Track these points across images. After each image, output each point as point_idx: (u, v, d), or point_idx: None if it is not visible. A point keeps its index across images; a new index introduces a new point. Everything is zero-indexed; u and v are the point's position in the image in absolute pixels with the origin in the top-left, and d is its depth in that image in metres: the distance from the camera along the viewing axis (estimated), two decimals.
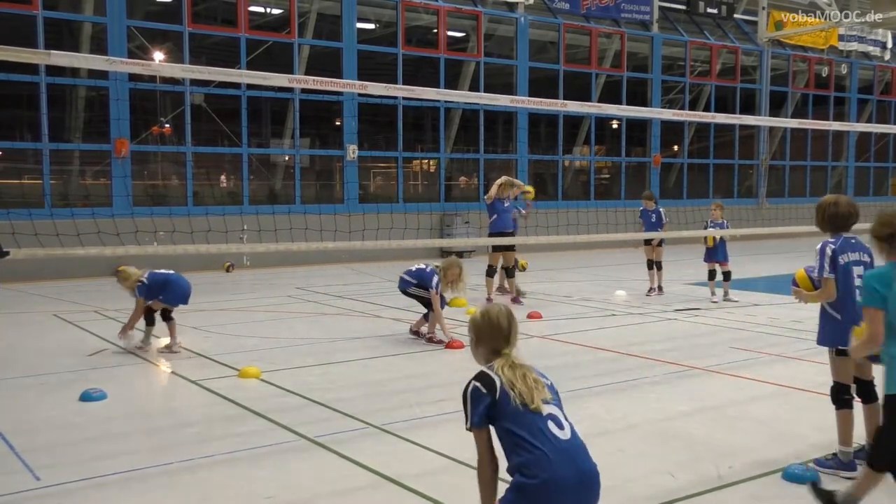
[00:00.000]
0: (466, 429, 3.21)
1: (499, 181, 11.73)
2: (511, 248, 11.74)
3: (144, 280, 8.30)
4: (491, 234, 11.72)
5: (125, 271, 8.32)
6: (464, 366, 7.96)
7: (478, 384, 3.17)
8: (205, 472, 4.95)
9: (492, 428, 3.20)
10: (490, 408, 3.12)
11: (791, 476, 4.69)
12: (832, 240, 4.85)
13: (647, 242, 12.25)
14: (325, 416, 6.12)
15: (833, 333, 4.78)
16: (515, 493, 3.05)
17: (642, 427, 5.79)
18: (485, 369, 3.25)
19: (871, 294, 3.95)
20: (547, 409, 3.11)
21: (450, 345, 8.61)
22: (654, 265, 12.37)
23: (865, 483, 4.12)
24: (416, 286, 9.01)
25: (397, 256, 16.73)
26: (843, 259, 4.77)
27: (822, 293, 4.80)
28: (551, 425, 3.09)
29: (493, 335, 3.36)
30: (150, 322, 8.52)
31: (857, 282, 4.76)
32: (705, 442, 5.40)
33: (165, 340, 8.53)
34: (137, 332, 8.63)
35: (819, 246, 4.82)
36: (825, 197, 5.05)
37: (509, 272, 11.87)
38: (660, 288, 12.37)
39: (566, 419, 3.19)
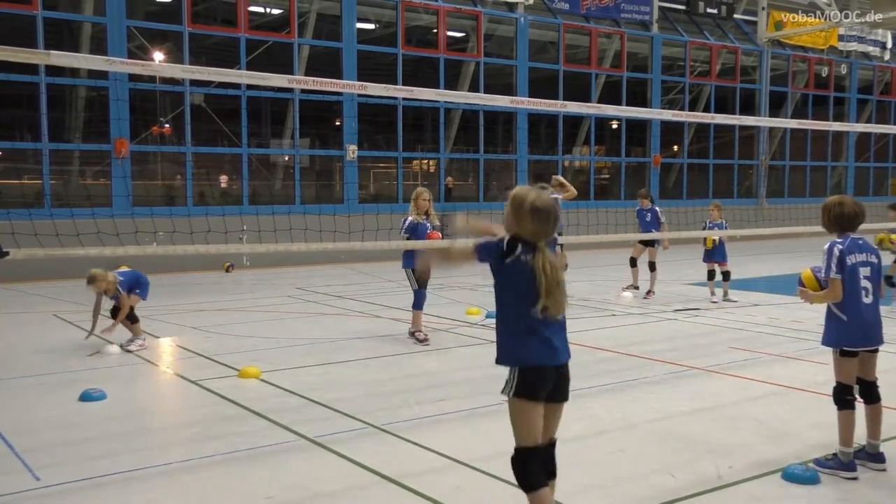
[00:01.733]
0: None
1: (557, 180, 12.04)
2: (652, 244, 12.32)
3: (121, 278, 8.48)
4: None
5: (100, 273, 8.34)
6: (464, 365, 7.99)
7: (502, 246, 3.38)
8: (205, 472, 4.95)
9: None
10: (498, 259, 3.38)
11: (791, 476, 4.69)
12: (840, 240, 4.85)
13: (644, 243, 12.25)
14: (325, 416, 6.12)
15: (838, 334, 4.78)
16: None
17: (642, 427, 5.79)
18: (516, 239, 3.40)
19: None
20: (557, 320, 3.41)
21: (430, 235, 8.69)
22: (638, 264, 12.40)
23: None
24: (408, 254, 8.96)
25: (397, 257, 16.71)
26: (850, 260, 4.77)
27: (828, 294, 4.80)
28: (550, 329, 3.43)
29: (535, 227, 3.39)
30: (134, 320, 8.61)
31: (864, 283, 4.76)
32: (705, 442, 5.41)
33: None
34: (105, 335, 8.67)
35: (827, 246, 4.82)
36: (830, 197, 5.04)
37: None
38: (643, 290, 12.41)
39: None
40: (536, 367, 3.36)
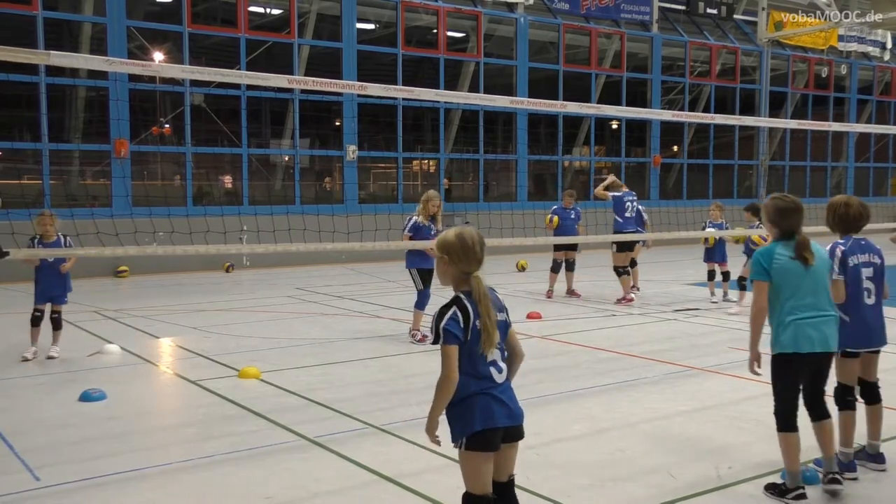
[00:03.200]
0: (436, 343, 3.37)
1: (613, 180, 12.32)
2: (574, 247, 12.59)
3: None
4: (617, 233, 11.81)
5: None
6: None
7: (459, 313, 3.35)
8: (204, 472, 4.95)
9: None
10: (461, 340, 3.33)
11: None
12: (841, 241, 4.84)
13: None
14: (324, 416, 6.12)
15: (841, 335, 4.73)
16: (457, 407, 3.41)
17: (642, 427, 5.79)
18: (462, 297, 3.40)
19: (756, 268, 4.43)
20: (491, 357, 3.38)
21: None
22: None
23: (786, 448, 4.38)
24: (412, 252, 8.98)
25: (397, 257, 16.72)
26: (852, 261, 4.76)
27: (832, 294, 4.72)
28: (492, 370, 3.38)
29: (466, 257, 3.43)
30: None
31: (867, 284, 4.76)
32: (705, 442, 5.41)
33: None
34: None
35: (829, 248, 4.79)
36: (835, 197, 5.00)
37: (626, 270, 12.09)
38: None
39: (503, 359, 3.46)
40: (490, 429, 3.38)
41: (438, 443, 3.48)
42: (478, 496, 3.35)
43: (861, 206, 4.90)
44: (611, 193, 12.12)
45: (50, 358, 8.01)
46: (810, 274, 4.40)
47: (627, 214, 11.97)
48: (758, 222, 11.21)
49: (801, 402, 4.52)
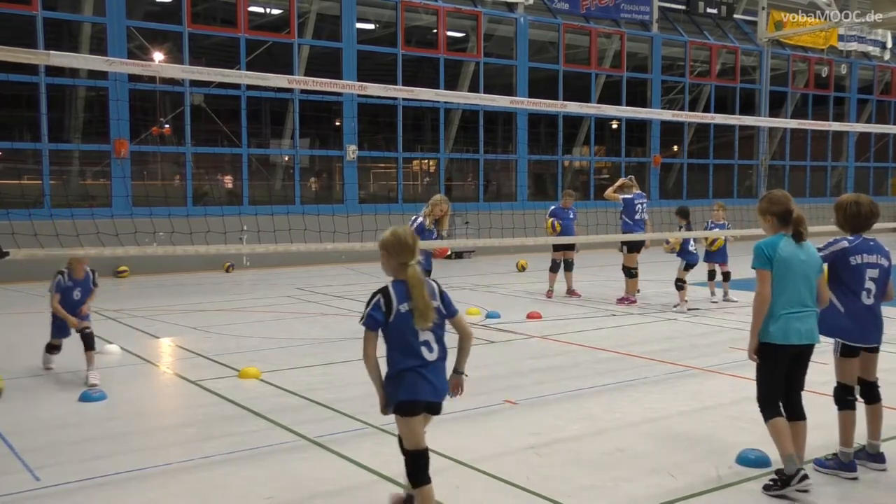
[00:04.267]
0: (360, 322, 4.05)
1: (626, 182, 12.32)
2: (571, 247, 12.59)
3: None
4: (627, 234, 11.75)
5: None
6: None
7: (381, 300, 4.01)
8: (204, 472, 4.95)
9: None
10: (382, 323, 3.99)
11: (745, 461, 4.85)
12: (850, 238, 4.86)
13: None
14: (325, 416, 6.12)
15: (834, 323, 4.81)
16: (392, 379, 4.03)
17: (642, 427, 5.79)
18: (389, 287, 4.03)
19: (760, 258, 4.52)
20: (423, 337, 3.97)
21: (438, 252, 9.26)
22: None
23: (776, 434, 4.45)
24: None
25: None
26: (855, 260, 4.78)
27: (818, 295, 4.71)
28: (423, 349, 3.98)
29: (401, 249, 4.09)
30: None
31: (868, 284, 4.77)
32: (705, 442, 5.41)
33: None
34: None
35: (832, 240, 4.86)
36: (845, 196, 5.01)
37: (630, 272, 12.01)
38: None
39: (439, 341, 4.03)
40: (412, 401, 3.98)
41: (387, 414, 4.07)
42: (411, 450, 3.97)
43: (871, 204, 4.91)
44: (622, 196, 12.08)
45: (93, 386, 6.94)
46: (802, 269, 4.53)
47: (638, 217, 11.95)
48: (685, 223, 11.68)
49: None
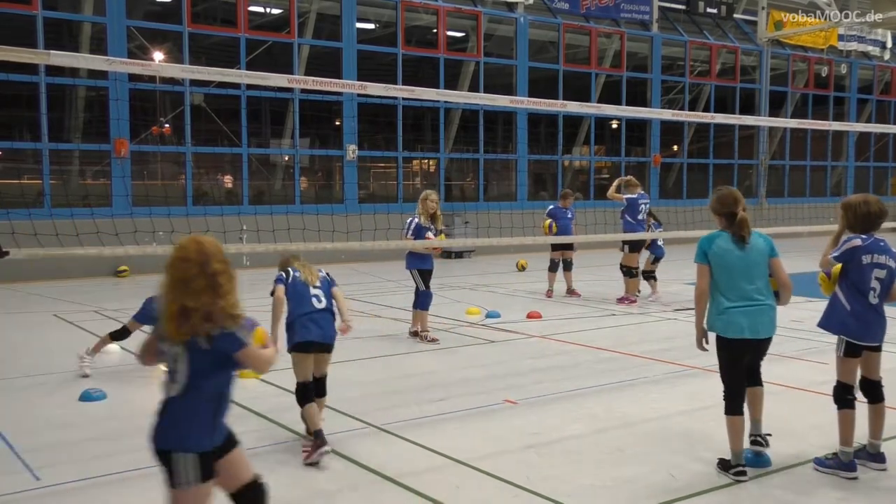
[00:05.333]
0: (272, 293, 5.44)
1: (628, 180, 12.28)
2: (570, 246, 12.59)
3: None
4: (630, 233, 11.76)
5: None
6: (463, 365, 7.99)
7: (283, 274, 5.54)
8: None
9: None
10: (284, 282, 5.46)
11: (745, 461, 4.80)
12: (863, 236, 4.87)
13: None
14: (325, 415, 6.11)
15: (839, 320, 4.85)
16: (288, 327, 5.39)
17: (642, 427, 5.80)
18: (288, 268, 5.58)
19: (697, 252, 4.86)
20: (314, 293, 5.45)
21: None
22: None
23: (730, 430, 4.73)
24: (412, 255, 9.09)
25: (397, 256, 16.72)
26: (866, 259, 4.80)
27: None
28: (314, 301, 5.42)
29: (287, 260, 5.70)
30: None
31: (874, 283, 4.79)
32: (705, 442, 5.40)
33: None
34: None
35: (845, 238, 4.90)
36: (853, 196, 5.04)
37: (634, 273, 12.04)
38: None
39: (327, 297, 5.53)
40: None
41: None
42: (301, 382, 5.37)
43: (880, 204, 4.95)
44: (625, 196, 12.03)
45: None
46: (746, 261, 4.74)
47: (640, 217, 11.93)
48: (654, 222, 12.17)
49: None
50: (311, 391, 5.34)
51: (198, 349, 3.24)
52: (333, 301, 5.55)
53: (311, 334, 5.28)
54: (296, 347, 5.33)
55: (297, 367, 5.37)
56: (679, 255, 16.35)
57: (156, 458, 3.31)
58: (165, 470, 3.28)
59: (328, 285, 5.61)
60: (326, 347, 5.46)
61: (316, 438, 5.10)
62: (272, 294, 5.41)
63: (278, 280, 5.45)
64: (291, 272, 5.50)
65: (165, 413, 3.44)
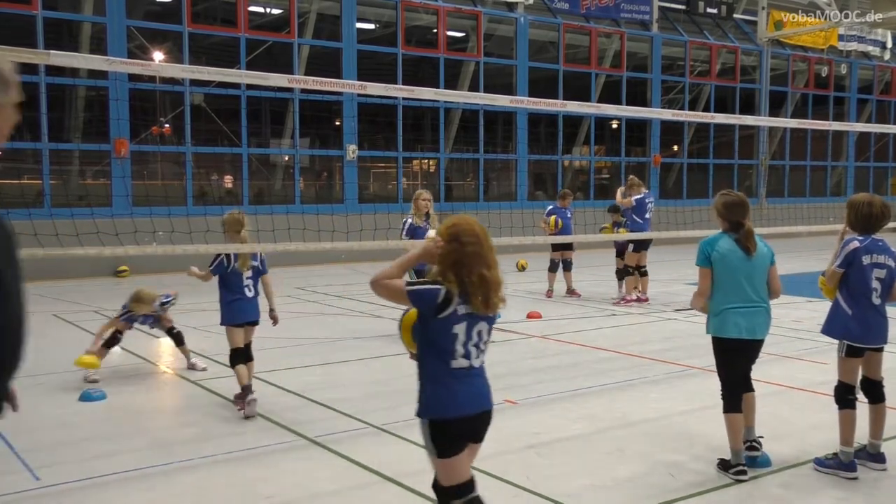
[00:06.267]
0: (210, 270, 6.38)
1: (629, 184, 12.18)
2: (570, 246, 12.58)
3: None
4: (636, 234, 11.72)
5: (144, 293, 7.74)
6: None
7: (224, 259, 6.29)
8: (204, 472, 4.95)
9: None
10: (224, 267, 6.30)
11: (745, 461, 4.80)
12: (860, 238, 4.87)
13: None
14: (325, 416, 6.12)
15: (841, 325, 4.84)
16: (225, 306, 6.35)
17: (642, 427, 5.80)
18: (229, 254, 6.27)
19: (699, 255, 4.87)
20: (246, 282, 6.34)
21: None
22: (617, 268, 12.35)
23: (729, 428, 4.76)
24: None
25: (396, 256, 16.71)
26: (866, 259, 4.80)
27: (829, 278, 4.91)
28: (245, 289, 6.34)
29: (232, 224, 6.50)
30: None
31: (875, 284, 4.79)
32: (705, 441, 5.40)
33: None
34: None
35: (844, 240, 4.90)
36: (857, 196, 5.03)
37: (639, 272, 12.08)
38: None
39: (255, 286, 6.37)
40: None
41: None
42: (234, 349, 6.24)
43: (883, 205, 4.95)
44: (634, 196, 12.02)
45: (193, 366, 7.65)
46: (749, 265, 4.77)
47: (647, 216, 11.96)
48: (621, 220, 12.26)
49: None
50: (242, 354, 6.30)
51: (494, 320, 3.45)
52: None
53: (242, 315, 6.37)
54: (228, 325, 6.39)
55: (230, 337, 6.34)
56: (679, 255, 16.39)
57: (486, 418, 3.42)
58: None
59: (257, 273, 6.49)
60: (253, 323, 6.47)
61: (244, 391, 6.05)
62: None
63: (220, 262, 6.42)
64: (232, 259, 6.36)
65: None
